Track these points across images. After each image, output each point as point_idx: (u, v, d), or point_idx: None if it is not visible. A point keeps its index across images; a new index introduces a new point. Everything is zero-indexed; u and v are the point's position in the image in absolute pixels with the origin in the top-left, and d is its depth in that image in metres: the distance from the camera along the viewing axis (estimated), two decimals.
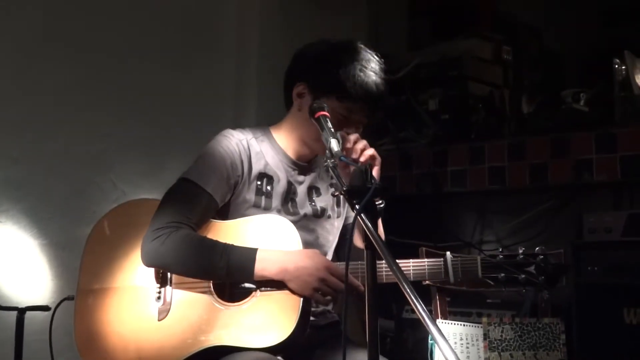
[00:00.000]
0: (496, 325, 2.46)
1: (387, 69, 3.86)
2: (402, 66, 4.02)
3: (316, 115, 2.02)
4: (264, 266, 2.03)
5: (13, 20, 2.90)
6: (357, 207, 1.59)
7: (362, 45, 2.25)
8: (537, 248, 2.11)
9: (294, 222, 2.18)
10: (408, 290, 1.47)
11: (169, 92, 3.38)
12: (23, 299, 2.80)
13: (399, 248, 2.53)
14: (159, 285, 2.13)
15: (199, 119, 3.40)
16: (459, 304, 3.13)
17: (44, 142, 2.96)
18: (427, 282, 2.26)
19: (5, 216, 2.85)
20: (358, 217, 1.58)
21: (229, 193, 2.19)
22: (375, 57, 2.25)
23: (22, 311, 2.55)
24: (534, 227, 3.47)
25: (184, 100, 3.43)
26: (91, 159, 3.09)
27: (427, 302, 2.48)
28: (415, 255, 2.26)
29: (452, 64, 3.86)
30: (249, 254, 2.04)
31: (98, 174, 3.12)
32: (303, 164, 2.31)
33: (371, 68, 2.21)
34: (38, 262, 2.94)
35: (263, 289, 2.08)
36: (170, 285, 2.13)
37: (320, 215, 2.31)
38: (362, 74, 2.17)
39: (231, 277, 2.05)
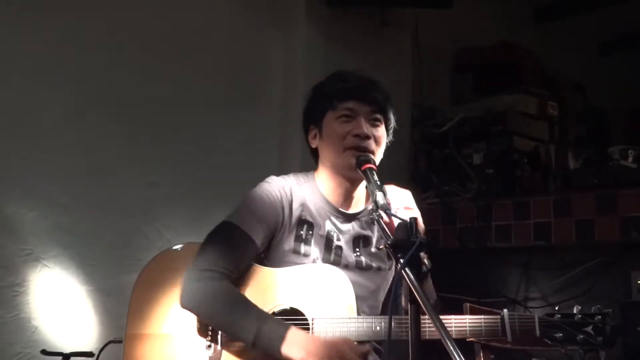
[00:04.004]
0: None
1: (430, 121, 3.87)
2: (446, 120, 4.03)
3: (363, 168, 2.06)
4: (290, 347, 2.01)
5: (69, 72, 2.99)
6: (401, 261, 1.59)
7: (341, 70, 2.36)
8: (593, 307, 2.08)
9: None
10: (451, 347, 1.46)
11: (215, 142, 3.45)
12: (68, 345, 2.82)
13: (442, 302, 2.51)
14: (209, 333, 2.15)
15: (244, 169, 3.45)
16: None
17: (92, 191, 3.02)
18: (473, 339, 2.22)
19: (54, 261, 2.90)
20: (402, 271, 1.57)
21: (269, 238, 2.22)
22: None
23: (66, 357, 2.57)
24: (580, 285, 3.39)
25: (229, 150, 3.49)
26: (138, 208, 3.15)
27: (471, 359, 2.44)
28: (458, 309, 2.23)
29: (496, 118, 3.86)
30: (280, 331, 2.03)
31: (144, 222, 3.17)
32: (347, 212, 2.30)
33: (344, 72, 2.31)
34: (83, 307, 2.97)
35: None
36: (220, 333, 2.14)
37: (365, 267, 2.28)
38: (336, 78, 2.30)
39: (257, 346, 2.04)
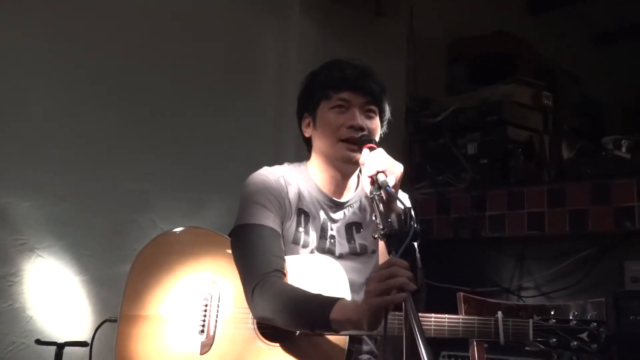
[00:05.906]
0: None
1: (425, 111, 3.85)
2: (440, 110, 4.04)
3: (364, 147, 2.06)
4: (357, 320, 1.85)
5: (63, 62, 2.99)
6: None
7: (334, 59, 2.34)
8: (589, 314, 2.07)
9: None
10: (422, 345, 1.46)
11: (210, 133, 3.44)
12: (62, 335, 2.83)
13: (436, 292, 2.51)
14: (203, 318, 2.16)
15: (239, 159, 3.45)
16: (496, 351, 3.08)
17: (88, 181, 3.02)
18: None
19: (48, 252, 2.90)
20: None
21: (282, 226, 2.20)
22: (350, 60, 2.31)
23: (60, 346, 2.57)
24: (574, 275, 3.41)
25: (224, 142, 3.49)
26: (133, 198, 3.15)
27: (465, 348, 2.45)
28: (452, 299, 2.24)
29: (491, 108, 3.86)
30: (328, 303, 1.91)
31: (139, 212, 3.17)
32: (339, 201, 2.30)
33: (340, 61, 2.28)
34: (78, 297, 2.98)
35: None
36: (215, 319, 2.16)
37: (360, 252, 2.28)
38: (332, 67, 2.27)
39: (338, 330, 1.93)
